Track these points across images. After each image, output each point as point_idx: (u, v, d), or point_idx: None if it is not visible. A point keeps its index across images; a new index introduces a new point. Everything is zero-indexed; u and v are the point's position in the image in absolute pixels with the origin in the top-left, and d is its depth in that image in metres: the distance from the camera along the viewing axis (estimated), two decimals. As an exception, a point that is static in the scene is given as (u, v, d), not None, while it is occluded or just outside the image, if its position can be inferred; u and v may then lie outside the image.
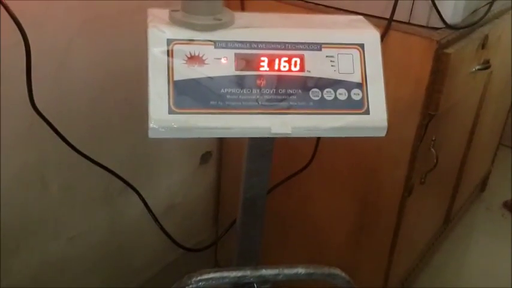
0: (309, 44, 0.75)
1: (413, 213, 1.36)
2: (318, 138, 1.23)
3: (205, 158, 1.50)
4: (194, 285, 0.81)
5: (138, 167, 1.28)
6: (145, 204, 1.26)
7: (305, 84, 0.75)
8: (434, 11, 1.06)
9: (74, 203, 1.16)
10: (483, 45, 1.25)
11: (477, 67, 1.25)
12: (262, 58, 0.73)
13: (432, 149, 1.26)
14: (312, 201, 1.37)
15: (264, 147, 0.89)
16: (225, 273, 0.84)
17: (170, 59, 0.69)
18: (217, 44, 0.72)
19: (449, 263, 1.87)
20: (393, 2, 1.07)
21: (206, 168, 1.53)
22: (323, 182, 1.33)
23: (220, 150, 1.55)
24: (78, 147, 1.03)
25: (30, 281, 1.12)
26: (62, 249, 1.17)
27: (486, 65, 1.27)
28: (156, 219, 1.30)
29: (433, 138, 1.24)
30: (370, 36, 0.77)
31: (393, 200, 1.23)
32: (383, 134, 0.78)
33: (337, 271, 0.86)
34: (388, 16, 1.08)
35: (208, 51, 0.71)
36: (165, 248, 1.46)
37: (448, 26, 1.09)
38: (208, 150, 1.51)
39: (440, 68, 1.08)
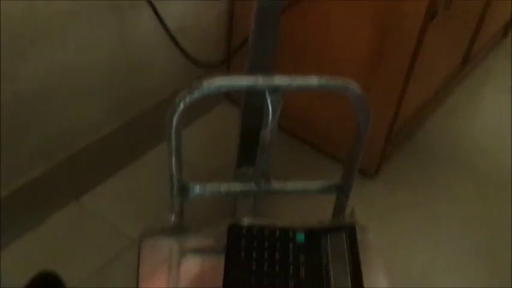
0: None
1: (434, 42, 1.31)
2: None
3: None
4: (205, 91, 0.78)
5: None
6: (159, 17, 1.21)
7: None
8: None
9: (80, 12, 1.11)
10: None
11: None
12: None
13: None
14: (328, 24, 1.32)
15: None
16: (237, 80, 0.81)
17: None
18: None
19: (462, 106, 1.87)
20: None
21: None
22: (341, 2, 1.26)
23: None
24: None
25: (38, 87, 1.11)
26: (70, 59, 1.14)
27: None
28: (168, 31, 1.25)
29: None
30: None
31: (415, 24, 1.17)
32: None
33: (352, 83, 0.83)
34: None
35: None
36: (178, 69, 1.44)
37: None
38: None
39: None
